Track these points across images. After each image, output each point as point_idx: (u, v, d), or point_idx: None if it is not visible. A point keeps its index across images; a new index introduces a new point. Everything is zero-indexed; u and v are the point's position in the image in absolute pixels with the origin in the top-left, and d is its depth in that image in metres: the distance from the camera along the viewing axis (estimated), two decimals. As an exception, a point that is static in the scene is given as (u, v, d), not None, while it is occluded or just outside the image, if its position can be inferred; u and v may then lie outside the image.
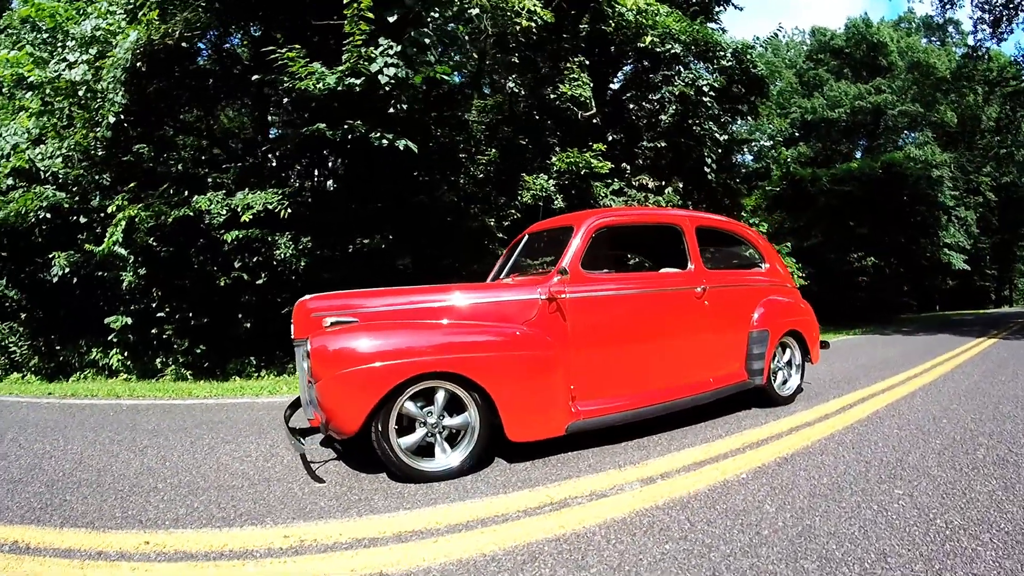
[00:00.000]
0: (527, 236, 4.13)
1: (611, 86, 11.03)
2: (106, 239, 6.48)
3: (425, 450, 2.83)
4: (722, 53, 10.07)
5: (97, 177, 6.92)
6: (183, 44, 6.60)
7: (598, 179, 9.77)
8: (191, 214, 6.96)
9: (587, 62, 9.53)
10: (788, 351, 4.40)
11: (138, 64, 6.05)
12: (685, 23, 9.92)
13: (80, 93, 5.93)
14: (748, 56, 10.37)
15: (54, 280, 6.79)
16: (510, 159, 9.84)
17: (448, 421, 2.84)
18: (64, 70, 5.80)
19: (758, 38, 11.11)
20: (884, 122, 29.87)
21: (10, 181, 6.67)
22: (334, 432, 2.78)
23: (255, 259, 7.40)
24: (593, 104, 9.57)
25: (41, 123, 6.45)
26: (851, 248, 16.28)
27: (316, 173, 8.49)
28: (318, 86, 5.80)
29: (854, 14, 31.18)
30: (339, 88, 5.96)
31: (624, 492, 2.48)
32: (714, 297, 3.83)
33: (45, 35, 5.69)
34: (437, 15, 6.15)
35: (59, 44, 5.82)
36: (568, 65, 9.38)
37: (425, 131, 8.29)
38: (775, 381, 4.24)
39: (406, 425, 2.81)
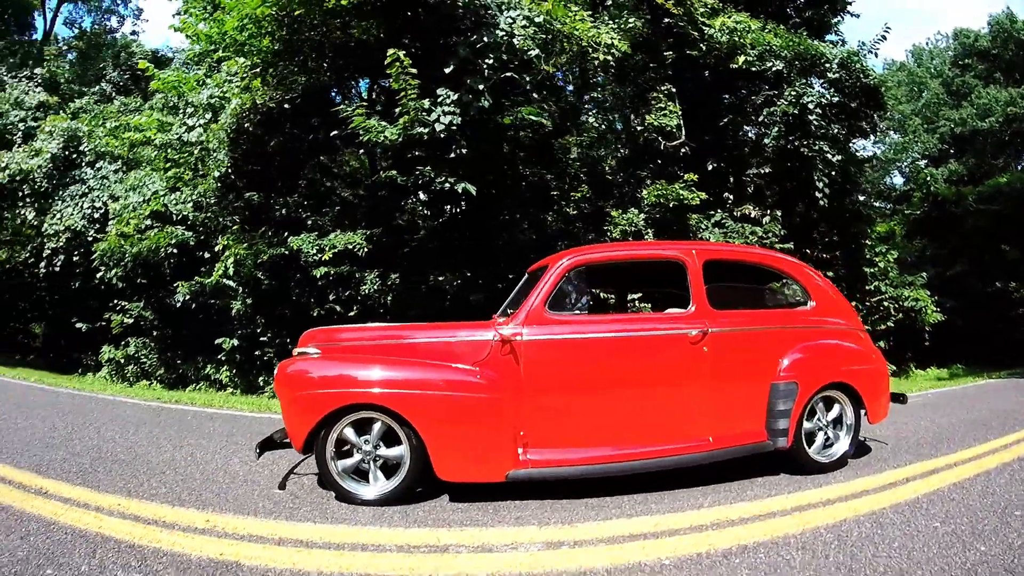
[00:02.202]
0: (527, 275, 4.37)
1: (710, 112, 10.76)
2: (215, 272, 8.07)
3: (365, 475, 3.22)
4: (827, 65, 9.34)
5: (220, 220, 8.68)
6: (285, 105, 8.12)
7: (695, 211, 9.56)
8: (286, 252, 8.33)
9: (673, 90, 9.51)
10: (837, 407, 3.85)
11: (246, 124, 7.63)
12: (786, 37, 9.44)
13: (196, 152, 7.66)
14: (857, 64, 9.47)
15: (178, 305, 8.59)
16: (602, 194, 10.10)
17: (383, 451, 3.18)
18: (184, 133, 7.56)
19: (863, 44, 9.82)
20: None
21: (148, 222, 8.72)
22: (295, 447, 3.30)
23: (347, 293, 8.56)
24: (683, 133, 9.47)
25: (171, 175, 8.42)
26: (1002, 276, 13.63)
27: (399, 214, 9.59)
28: (383, 137, 6.72)
29: (996, 11, 26.80)
30: (400, 139, 6.85)
31: (518, 551, 2.50)
32: (721, 342, 3.53)
33: (171, 103, 7.53)
34: (492, 60, 6.78)
35: (181, 111, 7.65)
36: (655, 95, 9.46)
37: (503, 172, 8.97)
38: (812, 444, 3.76)
39: (348, 450, 3.25)
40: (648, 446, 3.38)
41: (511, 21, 7.04)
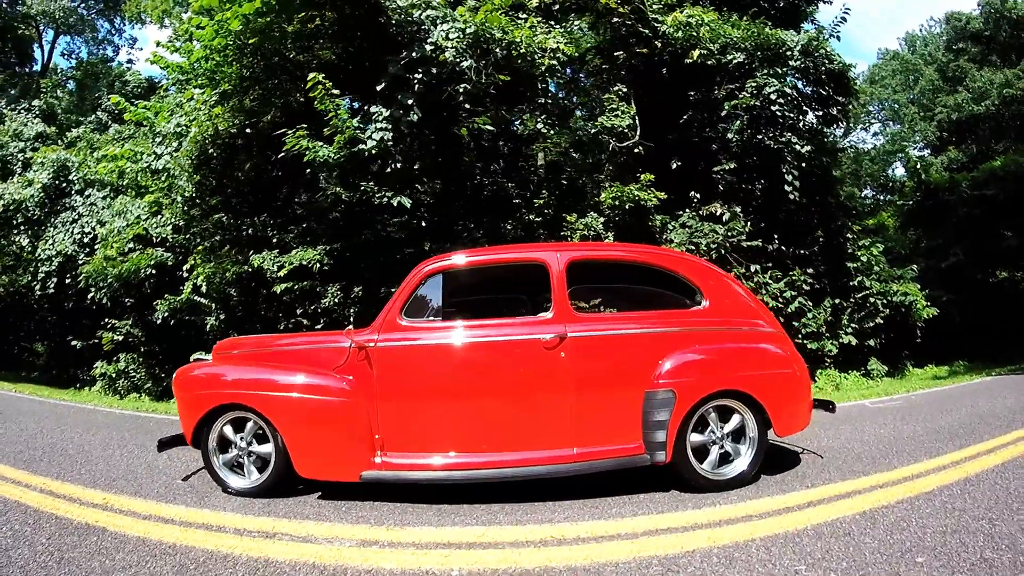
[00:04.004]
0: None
1: (670, 110, 11.15)
2: (184, 291, 9.05)
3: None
4: (789, 53, 9.62)
5: (190, 241, 9.68)
6: (247, 130, 9.02)
7: (662, 212, 9.97)
8: (249, 270, 9.21)
9: (624, 90, 9.97)
10: (737, 418, 3.67)
11: (209, 151, 8.56)
12: (746, 28, 9.76)
13: (162, 180, 8.67)
14: (820, 50, 9.69)
15: (158, 322, 9.63)
16: (563, 200, 10.63)
17: (255, 448, 3.88)
18: (153, 161, 8.56)
19: (822, 28, 9.79)
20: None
21: (131, 244, 9.79)
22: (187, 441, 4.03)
23: (313, 307, 9.40)
24: (637, 133, 9.93)
25: (150, 200, 9.48)
26: (1002, 265, 13.34)
27: (361, 229, 10.37)
28: (319, 157, 7.50)
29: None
30: (343, 158, 7.62)
31: (332, 545, 2.89)
32: (582, 347, 3.54)
33: (142, 132, 8.53)
34: (421, 74, 7.48)
35: (150, 140, 8.67)
36: (607, 96, 9.95)
37: (461, 183, 9.65)
38: (705, 459, 3.62)
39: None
40: (506, 455, 3.48)
41: (443, 35, 7.69)
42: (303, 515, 3.40)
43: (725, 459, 3.70)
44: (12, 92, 16.44)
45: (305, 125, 7.61)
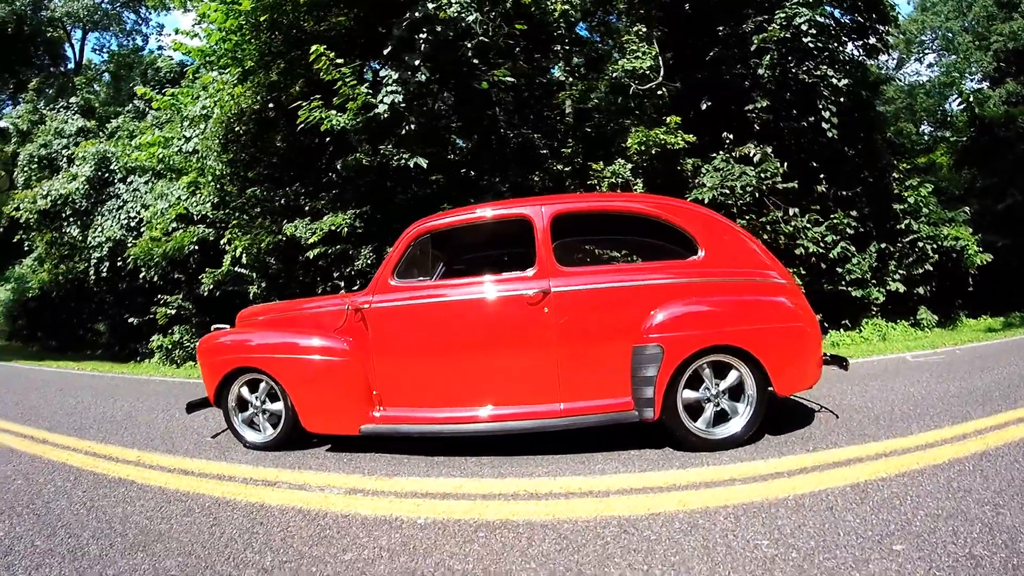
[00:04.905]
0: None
1: (698, 48, 10.64)
2: (224, 263, 9.57)
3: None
4: None
5: (227, 215, 10.19)
6: (270, 105, 9.29)
7: (693, 155, 9.70)
8: (283, 238, 9.63)
9: (645, 30, 9.57)
10: (735, 375, 3.52)
11: (236, 128, 8.91)
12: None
13: (194, 161, 9.12)
14: None
15: (205, 294, 10.26)
16: (592, 148, 10.47)
17: (268, 406, 4.18)
18: (184, 144, 9.00)
19: None
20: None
21: (174, 224, 10.41)
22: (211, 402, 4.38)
23: (348, 270, 9.78)
24: (660, 74, 9.58)
25: (187, 181, 10.01)
26: None
27: (392, 190, 10.61)
28: (333, 125, 7.67)
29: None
30: (360, 124, 7.75)
31: (324, 492, 3.16)
32: (566, 302, 3.53)
33: (171, 119, 8.98)
34: (426, 34, 7.45)
35: (179, 124, 9.11)
36: (628, 38, 9.61)
37: (487, 137, 9.66)
38: (699, 417, 3.51)
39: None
40: (493, 409, 3.59)
41: (447, -11, 7.59)
42: (306, 466, 3.68)
43: (722, 417, 3.57)
44: (50, 92, 17.50)
45: (319, 96, 7.77)
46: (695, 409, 3.54)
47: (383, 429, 3.70)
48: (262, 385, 4.16)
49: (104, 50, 25.80)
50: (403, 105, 7.68)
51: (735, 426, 3.52)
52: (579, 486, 3.03)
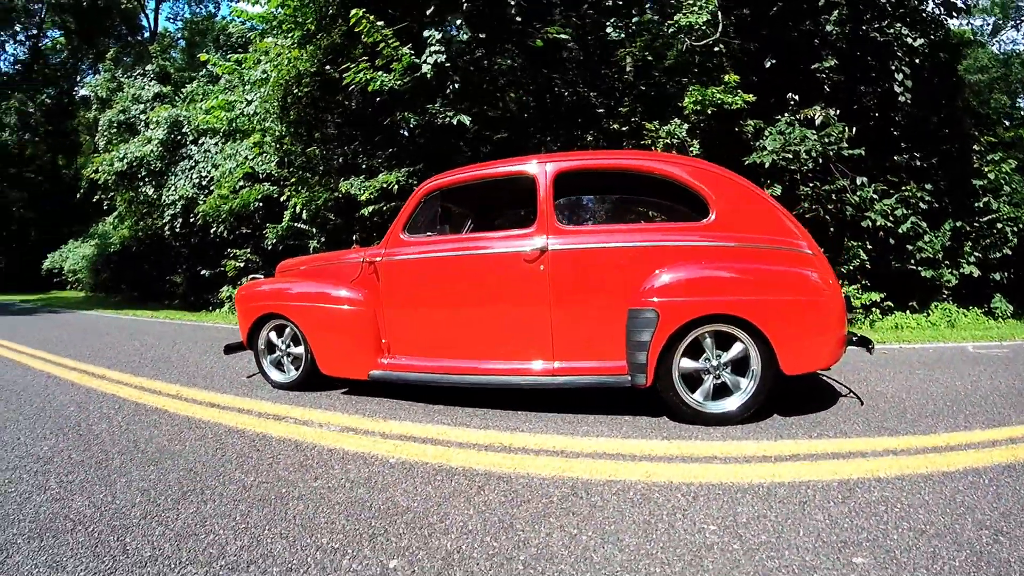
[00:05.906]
0: None
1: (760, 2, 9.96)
2: (284, 219, 10.16)
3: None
4: None
5: (288, 173, 10.77)
6: (326, 67, 9.61)
7: (753, 117, 9.27)
8: (340, 195, 10.06)
9: (706, -20, 9.05)
10: (739, 347, 3.34)
11: (295, 91, 9.33)
12: None
13: (255, 123, 9.65)
14: None
15: (269, 248, 10.96)
16: (650, 107, 10.18)
17: (292, 349, 4.53)
18: (245, 107, 9.51)
19: None
20: None
21: (241, 182, 11.11)
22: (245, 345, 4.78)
23: None
24: (718, 30, 9.09)
25: (252, 141, 10.63)
26: None
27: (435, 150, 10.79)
28: (380, 86, 7.86)
29: None
30: (409, 84, 7.92)
31: (322, 429, 3.41)
32: (563, 260, 3.52)
33: (234, 83, 9.51)
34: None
35: (242, 89, 9.62)
36: (685, -10, 9.15)
37: (541, 96, 9.60)
38: (698, 388, 3.40)
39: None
40: (489, 363, 3.69)
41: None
42: (318, 405, 3.97)
43: (724, 392, 3.42)
44: (127, 60, 18.75)
45: (366, 57, 7.97)
46: (695, 380, 3.43)
47: (388, 375, 3.92)
48: (287, 330, 4.50)
49: (178, 18, 27.35)
50: (448, 64, 7.75)
51: (732, 403, 3.38)
52: (554, 444, 3.08)
